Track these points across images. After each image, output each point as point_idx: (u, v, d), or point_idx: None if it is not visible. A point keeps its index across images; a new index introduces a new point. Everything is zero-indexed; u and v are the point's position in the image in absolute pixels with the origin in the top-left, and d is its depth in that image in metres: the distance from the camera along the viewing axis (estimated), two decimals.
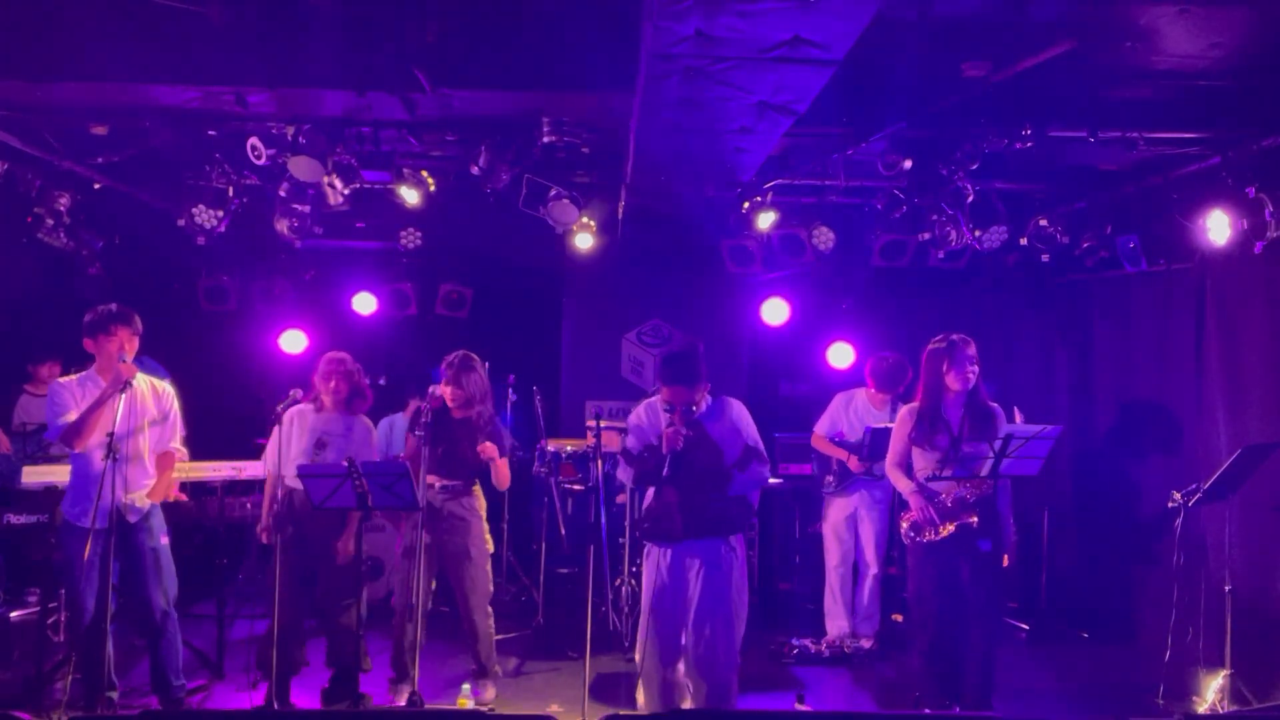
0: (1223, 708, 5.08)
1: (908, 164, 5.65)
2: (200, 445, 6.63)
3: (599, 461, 5.25)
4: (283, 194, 6.21)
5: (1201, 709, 5.15)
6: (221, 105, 5.19)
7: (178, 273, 8.09)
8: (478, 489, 5.31)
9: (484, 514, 5.33)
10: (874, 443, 6.11)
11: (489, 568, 5.30)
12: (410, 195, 6.09)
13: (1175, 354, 6.57)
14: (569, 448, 7.20)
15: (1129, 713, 5.31)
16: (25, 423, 6.92)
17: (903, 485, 4.90)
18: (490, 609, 5.34)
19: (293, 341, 8.31)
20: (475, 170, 5.68)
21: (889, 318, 8.56)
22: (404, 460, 4.94)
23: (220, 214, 6.27)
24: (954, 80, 4.93)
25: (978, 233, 6.29)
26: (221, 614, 5.73)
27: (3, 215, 6.29)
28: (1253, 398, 5.79)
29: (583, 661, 4.81)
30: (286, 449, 4.96)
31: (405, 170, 6.07)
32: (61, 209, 6.29)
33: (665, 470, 4.46)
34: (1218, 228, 5.44)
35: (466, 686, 5.29)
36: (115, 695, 4.71)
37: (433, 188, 6.17)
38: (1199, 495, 5.24)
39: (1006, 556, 5.36)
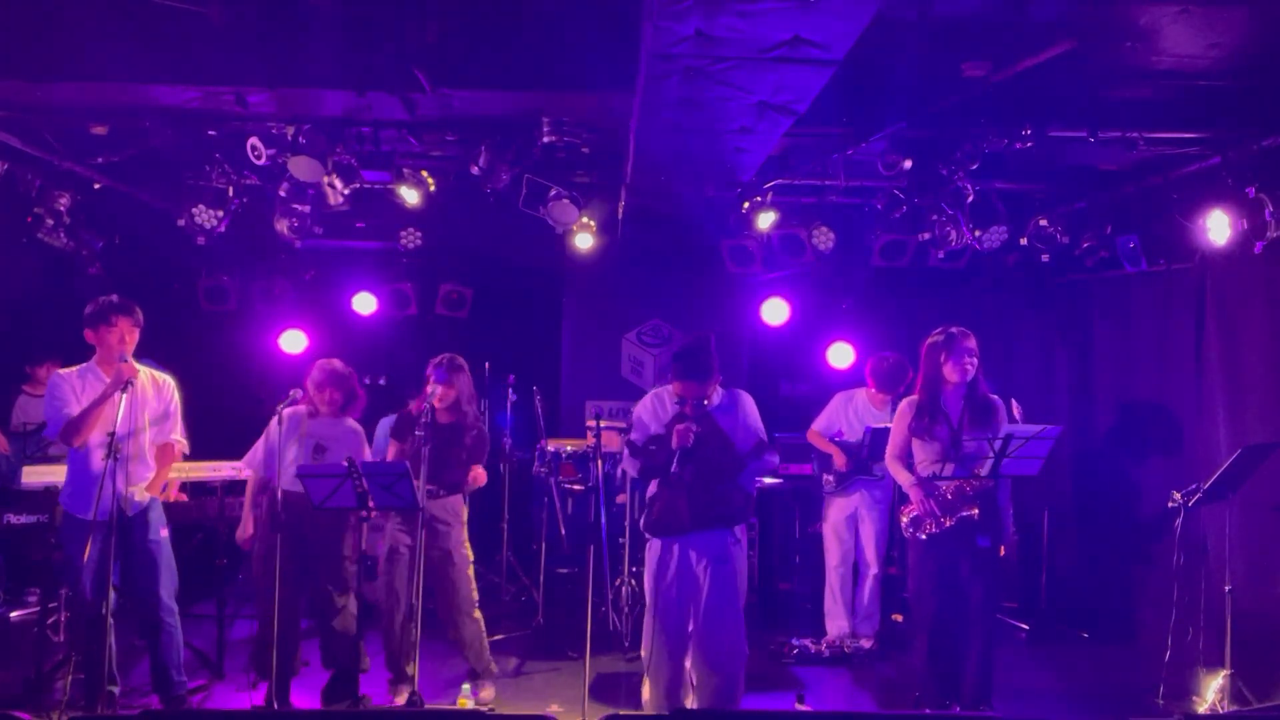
0: (1223, 708, 5.08)
1: (908, 164, 5.66)
2: (200, 445, 6.62)
3: (599, 461, 5.26)
4: (283, 194, 6.21)
5: (1201, 709, 5.15)
6: (221, 105, 5.19)
7: (178, 273, 8.09)
8: (457, 494, 5.31)
9: (465, 519, 5.33)
10: (874, 442, 6.11)
11: (470, 572, 5.30)
12: (410, 195, 6.09)
13: (1175, 354, 6.57)
14: (569, 448, 7.20)
15: (1129, 713, 5.31)
16: (25, 423, 6.92)
17: (903, 478, 4.89)
18: (479, 614, 5.32)
19: (293, 341, 8.32)
20: (475, 170, 5.68)
21: (889, 318, 8.56)
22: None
23: (220, 214, 6.28)
24: (954, 80, 4.93)
25: (978, 233, 6.29)
26: (221, 614, 5.72)
27: (3, 215, 6.30)
28: (1253, 398, 5.80)
29: (583, 661, 4.81)
30: (283, 453, 4.94)
31: (405, 170, 6.07)
32: (61, 209, 6.29)
33: (675, 467, 4.44)
34: (1218, 228, 5.44)
35: (466, 686, 5.29)
36: (116, 689, 4.70)
37: (433, 188, 6.17)
38: (1199, 495, 5.24)
39: (1004, 548, 5.35)
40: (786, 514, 7.76)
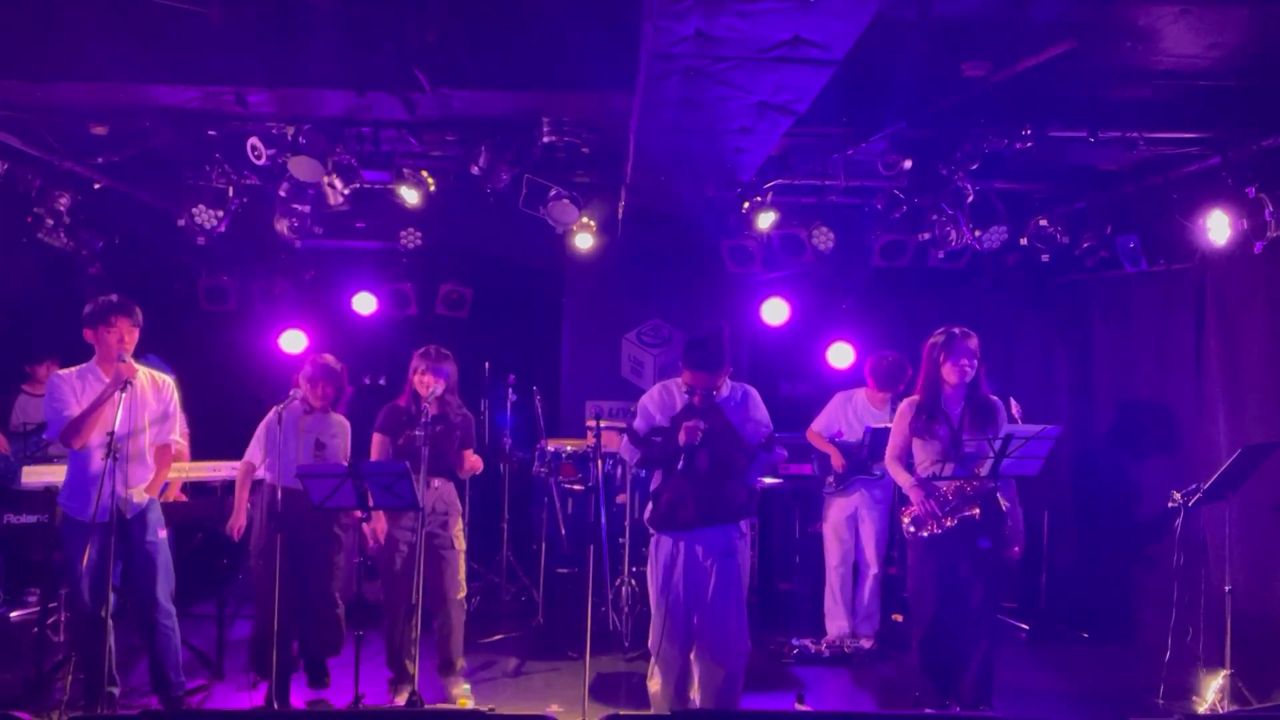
0: (1223, 708, 5.08)
1: (908, 164, 5.66)
2: (200, 445, 6.65)
3: (599, 461, 5.26)
4: (283, 194, 6.21)
5: (1201, 709, 5.15)
6: (221, 105, 5.19)
7: (178, 273, 8.09)
8: (454, 485, 5.33)
9: (461, 510, 5.34)
10: (874, 442, 6.11)
11: (462, 562, 5.31)
12: (410, 195, 6.09)
13: (1175, 354, 6.57)
14: (569, 448, 7.20)
15: (1129, 713, 5.31)
16: (25, 423, 6.92)
17: (902, 479, 4.89)
18: (465, 604, 5.34)
19: (293, 341, 8.31)
20: (475, 170, 5.68)
21: (889, 318, 8.55)
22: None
23: (220, 214, 6.28)
24: (954, 80, 4.93)
25: (978, 233, 6.29)
26: (221, 614, 5.72)
27: (3, 215, 6.30)
28: (1253, 398, 5.79)
29: (583, 661, 4.81)
30: (284, 449, 4.95)
31: (405, 170, 6.07)
32: (61, 209, 6.29)
33: (681, 464, 4.45)
34: (1218, 228, 5.44)
35: (466, 686, 5.30)
36: (116, 691, 4.70)
37: (433, 188, 6.17)
38: (1199, 495, 5.24)
39: (1017, 549, 5.34)
40: (786, 514, 7.76)
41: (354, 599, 5.07)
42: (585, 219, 6.85)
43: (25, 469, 5.80)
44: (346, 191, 5.89)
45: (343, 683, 5.22)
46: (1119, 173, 6.32)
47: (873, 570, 6.42)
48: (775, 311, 8.22)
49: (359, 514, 4.92)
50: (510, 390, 7.43)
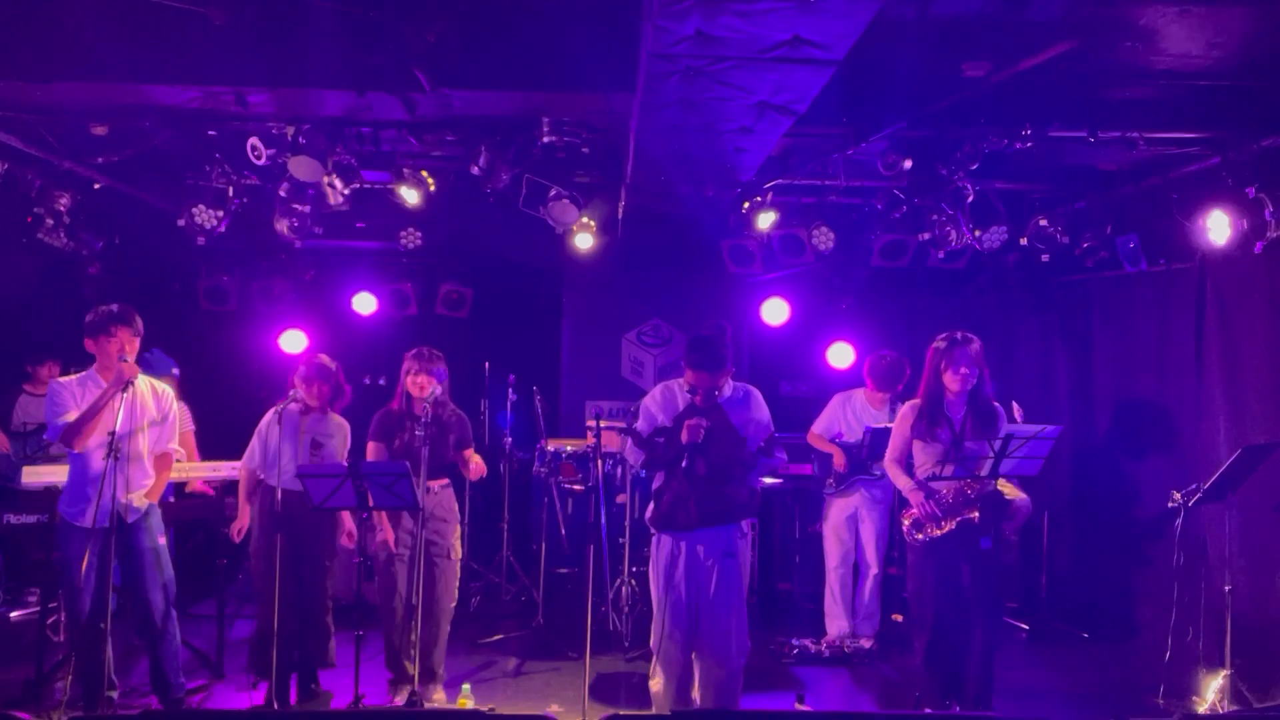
0: (1223, 708, 5.08)
1: (908, 164, 5.65)
2: (200, 445, 6.66)
3: (599, 461, 5.25)
4: (283, 194, 6.21)
5: (1201, 709, 5.15)
6: (221, 105, 5.18)
7: (178, 273, 8.10)
8: (453, 490, 5.32)
9: (459, 517, 5.34)
10: (874, 443, 6.11)
11: (457, 571, 5.31)
12: (410, 195, 6.09)
13: (1175, 354, 6.57)
14: (569, 448, 7.20)
15: (1129, 713, 5.31)
16: (25, 423, 6.93)
17: (901, 482, 4.89)
18: (452, 611, 5.32)
19: (293, 341, 8.31)
20: (475, 170, 5.68)
21: (889, 318, 8.56)
22: None
23: (220, 214, 6.28)
24: (954, 80, 4.93)
25: (978, 233, 6.29)
26: (221, 614, 5.73)
27: (3, 215, 6.29)
28: (1253, 398, 5.80)
29: (583, 661, 4.81)
30: (281, 452, 4.94)
31: (405, 170, 6.07)
32: (61, 209, 6.29)
33: (684, 463, 4.44)
34: (1218, 228, 5.44)
35: (466, 686, 5.29)
36: (115, 695, 4.71)
37: (433, 188, 6.17)
38: (1199, 495, 5.24)
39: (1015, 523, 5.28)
40: (786, 514, 7.76)
41: (354, 599, 5.07)
42: (585, 219, 6.85)
43: (25, 469, 5.80)
44: (346, 191, 5.89)
45: (343, 683, 5.22)
46: (1119, 173, 6.32)
47: (873, 570, 6.42)
48: (775, 311, 8.23)
49: (362, 515, 4.93)
50: (510, 390, 7.43)
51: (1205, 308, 6.19)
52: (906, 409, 4.95)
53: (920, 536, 4.78)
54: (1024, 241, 6.69)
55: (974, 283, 8.07)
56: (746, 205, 6.69)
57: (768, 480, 7.10)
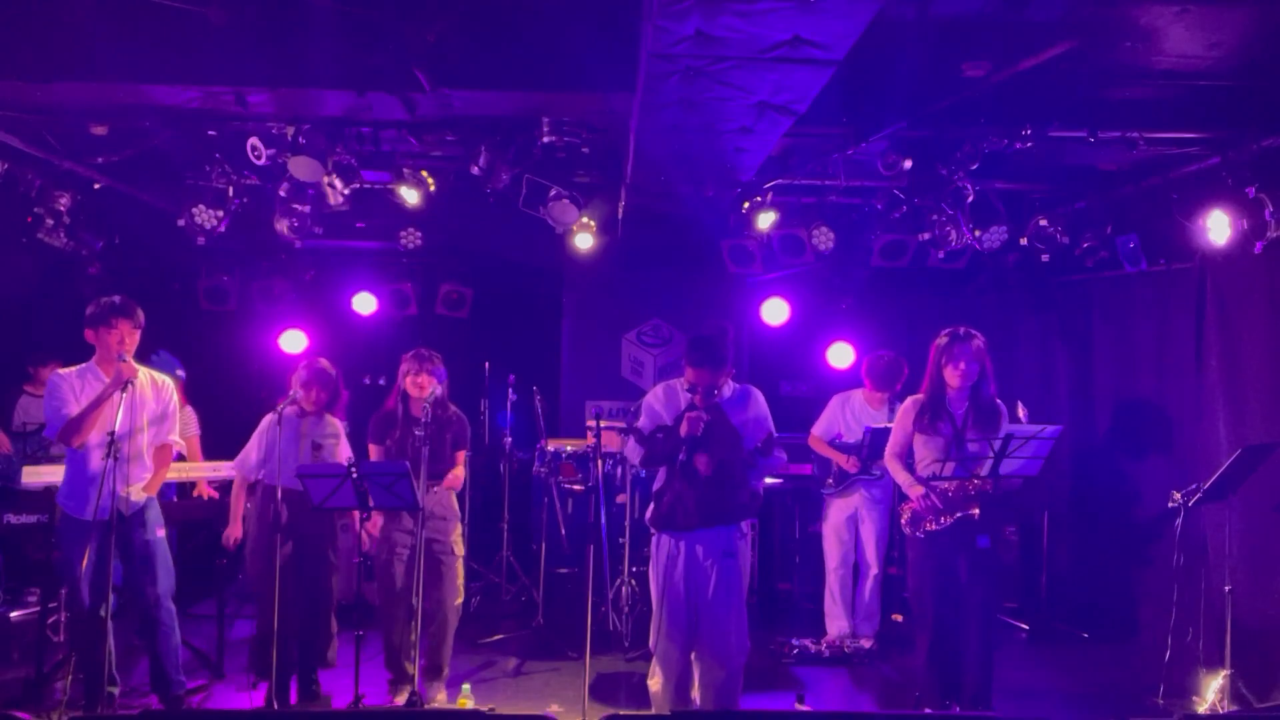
0: (1223, 708, 5.08)
1: (908, 164, 5.65)
2: (201, 445, 6.66)
3: (599, 461, 5.25)
4: (283, 194, 6.21)
5: (1201, 709, 5.15)
6: (221, 105, 5.18)
7: (178, 273, 8.10)
8: (451, 491, 5.32)
9: (459, 515, 5.34)
10: (874, 443, 6.11)
11: (460, 567, 5.31)
12: (410, 195, 6.09)
13: (1175, 354, 6.57)
14: (569, 448, 7.20)
15: (1129, 713, 5.31)
16: (25, 423, 6.92)
17: (901, 477, 4.89)
18: (459, 610, 5.33)
19: (293, 341, 8.32)
20: (475, 170, 5.68)
21: (889, 318, 8.56)
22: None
23: (220, 214, 6.28)
24: (954, 80, 4.93)
25: (978, 233, 6.29)
26: (221, 614, 5.73)
27: (3, 215, 6.29)
28: (1253, 398, 5.79)
29: (583, 661, 4.81)
30: (283, 454, 4.94)
31: (405, 170, 6.07)
32: (61, 209, 6.28)
33: (682, 456, 4.44)
34: (1218, 228, 5.44)
35: (466, 686, 5.30)
36: (116, 690, 4.71)
37: (433, 188, 6.17)
38: (1199, 495, 5.24)
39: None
40: (786, 514, 7.76)
41: (354, 599, 5.08)
42: (585, 219, 6.85)
43: (25, 469, 5.80)
44: (346, 191, 5.89)
45: (343, 683, 5.22)
46: (1119, 173, 6.32)
47: (873, 570, 6.42)
48: (775, 311, 8.23)
49: (363, 515, 4.93)
50: (510, 390, 7.43)
51: (1205, 308, 6.18)
52: (908, 404, 4.95)
53: (918, 532, 4.78)
54: (1024, 241, 6.69)
55: (974, 283, 8.07)
56: (746, 205, 6.69)
57: (768, 480, 7.10)
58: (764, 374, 8.67)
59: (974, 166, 5.66)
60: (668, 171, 5.81)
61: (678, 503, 4.53)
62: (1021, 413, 5.16)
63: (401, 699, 5.07)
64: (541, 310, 8.87)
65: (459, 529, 5.30)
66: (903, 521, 4.89)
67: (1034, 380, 7.99)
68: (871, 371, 6.41)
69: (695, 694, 4.69)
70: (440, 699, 5.21)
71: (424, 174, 6.12)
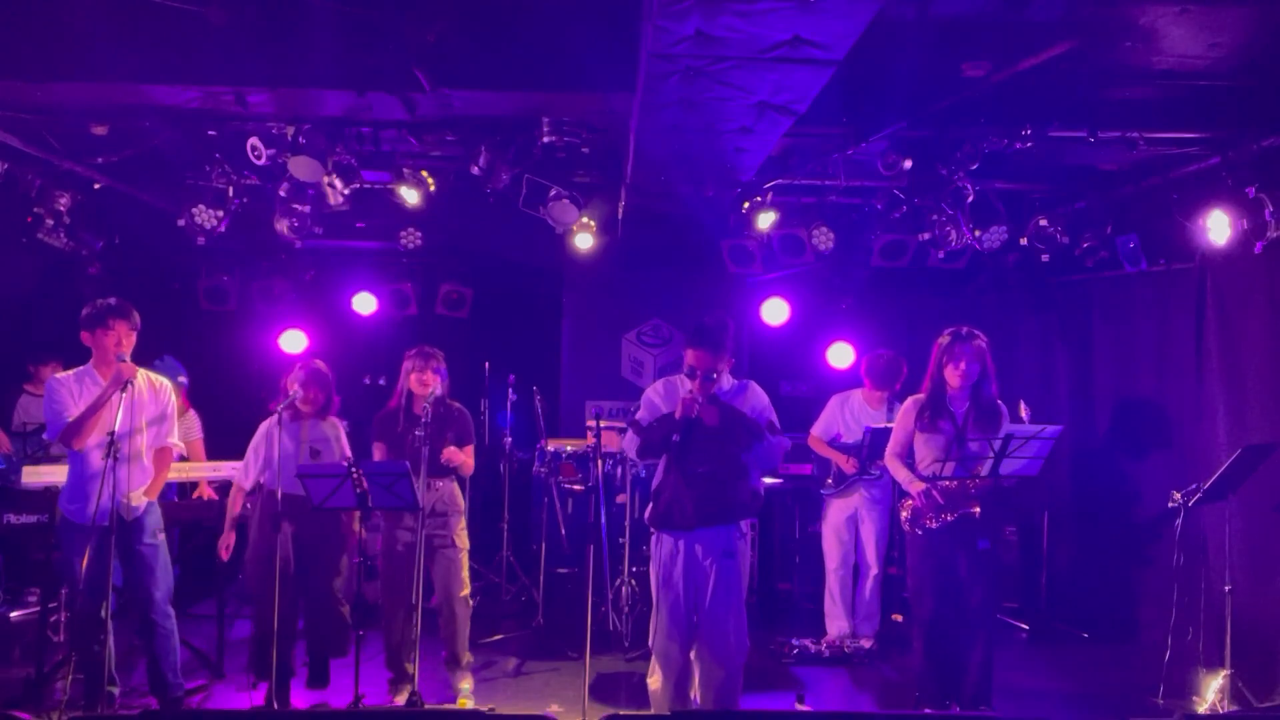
0: (1223, 708, 5.08)
1: (908, 164, 5.66)
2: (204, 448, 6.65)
3: (599, 461, 5.26)
4: (283, 194, 6.21)
5: (1201, 709, 5.15)
6: (221, 105, 5.19)
7: (178, 273, 8.10)
8: (456, 485, 5.32)
9: (464, 509, 5.34)
10: (874, 443, 6.11)
11: (465, 559, 5.31)
12: (410, 195, 6.09)
13: (1175, 354, 6.57)
14: (569, 448, 7.20)
15: (1129, 713, 5.31)
16: (26, 423, 6.92)
17: (901, 475, 4.89)
18: (470, 601, 5.34)
19: (293, 341, 8.31)
20: (475, 170, 5.68)
21: (889, 318, 8.56)
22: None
23: (220, 214, 6.28)
24: (954, 80, 4.93)
25: (978, 233, 6.29)
26: (221, 614, 5.73)
27: (3, 215, 6.29)
28: (1253, 398, 5.79)
29: (583, 661, 4.81)
30: (284, 458, 4.93)
31: (405, 170, 6.07)
32: (61, 209, 6.28)
33: (677, 436, 4.42)
34: (1218, 228, 5.44)
35: (467, 686, 5.29)
36: (116, 690, 4.71)
37: (433, 188, 6.17)
38: (1199, 495, 5.24)
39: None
40: (786, 514, 7.76)
41: (354, 599, 5.07)
42: (585, 219, 6.85)
43: (25, 469, 5.80)
44: (346, 191, 5.89)
45: (343, 683, 5.21)
46: (1119, 173, 6.32)
47: (873, 570, 6.42)
48: (775, 311, 8.23)
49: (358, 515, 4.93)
50: (510, 390, 7.43)
51: (1205, 308, 6.19)
52: (909, 403, 4.96)
53: (918, 529, 4.78)
54: (1024, 241, 6.69)
55: (974, 283, 8.07)
56: (746, 205, 6.69)
57: (768, 480, 7.10)
58: (764, 374, 8.62)
59: (974, 166, 5.66)
60: (668, 171, 5.81)
61: (675, 502, 4.52)
62: (1024, 412, 5.16)
63: (401, 699, 5.07)
64: (541, 310, 8.87)
65: (462, 523, 5.30)
66: (903, 518, 4.88)
67: (1034, 380, 7.98)
68: (871, 370, 6.41)
69: (695, 693, 4.69)
70: (465, 687, 5.26)
71: (424, 174, 6.13)
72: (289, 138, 5.46)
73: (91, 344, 4.71)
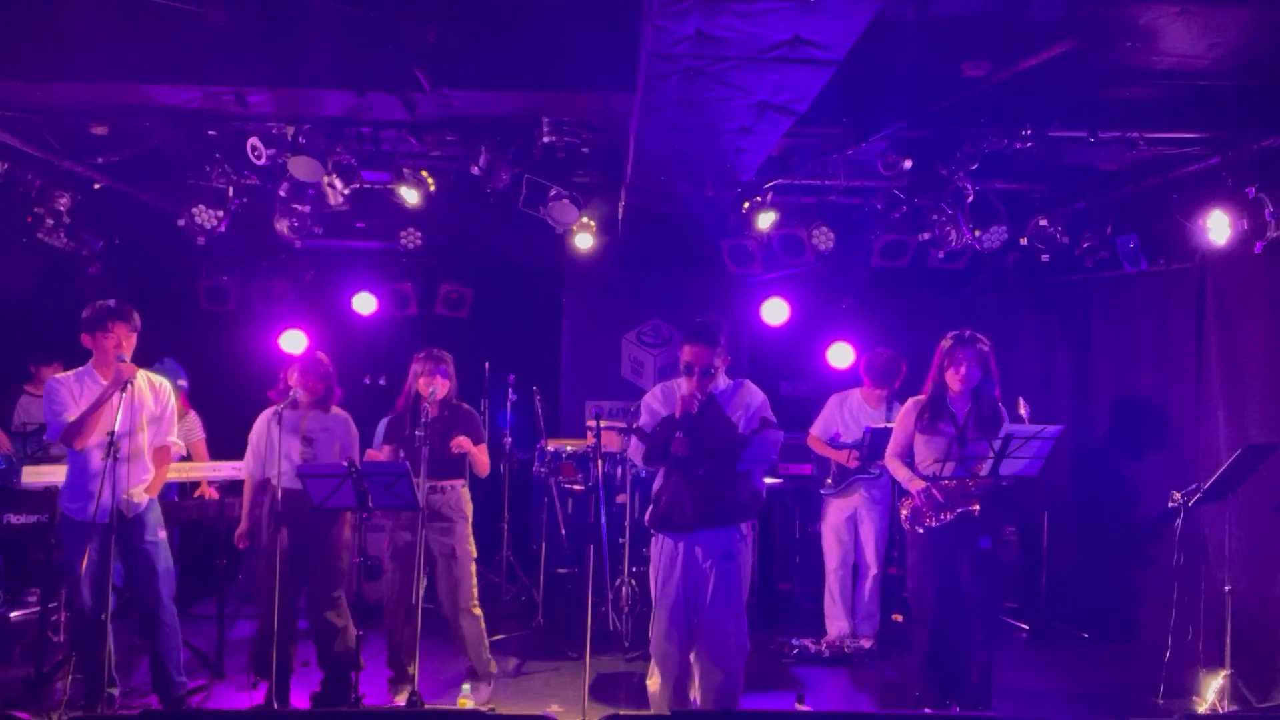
0: (1223, 708, 5.08)
1: (908, 164, 5.65)
2: (206, 448, 6.64)
3: (599, 461, 5.25)
4: (283, 194, 6.21)
5: (1201, 709, 5.15)
6: (221, 105, 5.19)
7: (178, 273, 8.10)
8: (465, 490, 5.31)
9: (470, 515, 5.32)
10: (874, 443, 6.11)
11: (473, 569, 5.30)
12: (410, 195, 6.09)
13: (1175, 354, 6.57)
14: (569, 448, 7.20)
15: (1129, 713, 5.31)
16: (26, 423, 6.92)
17: (901, 475, 4.90)
18: (479, 610, 5.31)
19: (293, 341, 8.31)
20: (475, 170, 5.68)
21: (889, 318, 8.56)
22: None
23: (220, 214, 6.28)
24: (954, 80, 4.93)
25: (978, 233, 6.29)
26: (221, 614, 5.72)
27: (3, 215, 6.29)
28: (1253, 398, 5.79)
29: (583, 661, 4.81)
30: (279, 449, 4.94)
31: (405, 170, 6.07)
32: (61, 209, 6.29)
33: (679, 433, 4.43)
34: (1218, 228, 5.44)
35: (466, 686, 5.30)
36: (116, 691, 4.71)
37: (433, 188, 6.17)
38: (1199, 495, 5.24)
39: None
40: (786, 514, 7.76)
41: (354, 599, 5.07)
42: (585, 219, 6.85)
43: (25, 469, 5.80)
44: (346, 191, 5.89)
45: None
46: (1119, 173, 6.32)
47: (873, 570, 6.41)
48: (775, 311, 8.23)
49: (363, 515, 4.92)
50: (510, 390, 7.43)
51: (1205, 308, 6.19)
52: (910, 405, 4.96)
53: (918, 528, 4.78)
54: (1024, 241, 6.69)
55: (974, 283, 8.07)
56: (746, 205, 6.69)
57: (768, 480, 7.10)
58: (764, 374, 8.64)
59: (974, 166, 5.66)
60: (668, 171, 5.81)
61: (675, 503, 4.52)
62: (1023, 410, 5.17)
63: (402, 698, 5.07)
64: (541, 310, 8.87)
65: (468, 529, 5.28)
66: (903, 517, 4.89)
67: (1034, 380, 7.98)
68: (870, 368, 6.41)
69: (694, 693, 4.69)
70: (483, 697, 5.26)
71: (424, 174, 6.12)
72: (289, 138, 5.46)
73: (91, 346, 4.72)
